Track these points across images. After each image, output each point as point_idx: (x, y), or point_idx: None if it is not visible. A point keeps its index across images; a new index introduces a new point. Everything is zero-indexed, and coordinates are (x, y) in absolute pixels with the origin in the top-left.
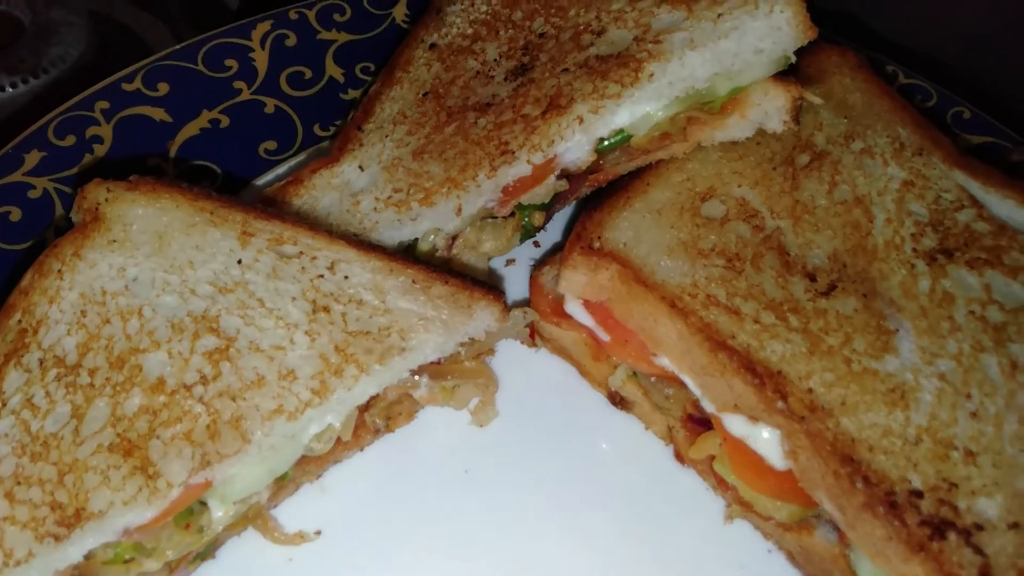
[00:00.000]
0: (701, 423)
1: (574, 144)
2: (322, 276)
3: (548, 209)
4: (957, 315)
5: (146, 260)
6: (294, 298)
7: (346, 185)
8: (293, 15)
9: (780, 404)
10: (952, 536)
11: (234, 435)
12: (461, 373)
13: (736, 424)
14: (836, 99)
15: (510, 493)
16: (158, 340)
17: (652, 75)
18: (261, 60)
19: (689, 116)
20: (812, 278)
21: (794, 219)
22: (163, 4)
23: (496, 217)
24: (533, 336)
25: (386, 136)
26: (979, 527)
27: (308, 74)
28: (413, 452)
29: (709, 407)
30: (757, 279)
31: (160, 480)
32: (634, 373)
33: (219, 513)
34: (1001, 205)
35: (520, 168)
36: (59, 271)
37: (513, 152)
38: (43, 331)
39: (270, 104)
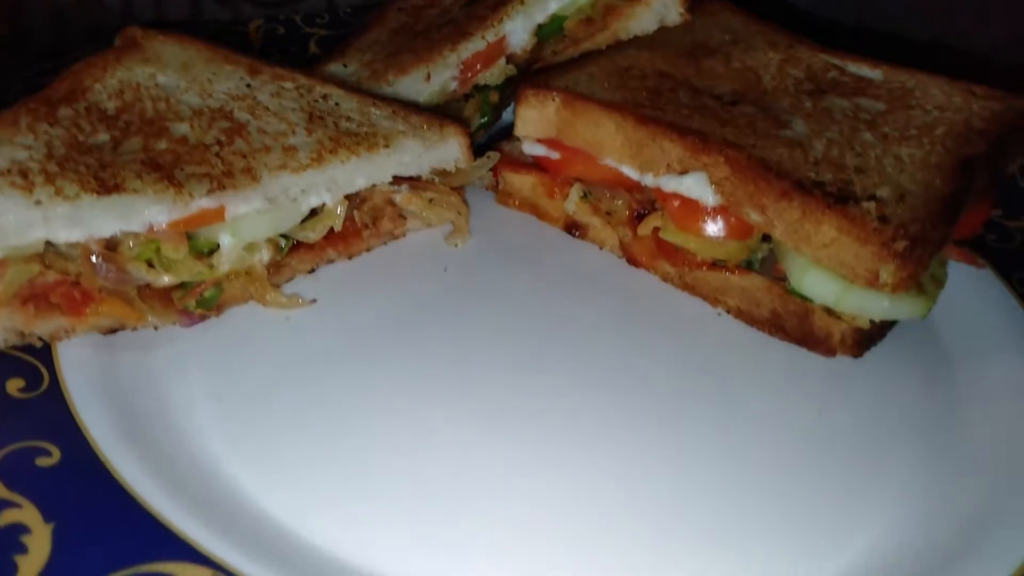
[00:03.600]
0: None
1: (519, 25)
2: (316, 101)
3: (502, 92)
4: (836, 115)
5: (173, 74)
6: (294, 109)
7: (331, 75)
8: (281, 16)
9: (701, 144)
10: (852, 201)
11: (246, 177)
12: (437, 190)
13: (671, 182)
14: (721, 25)
15: (482, 282)
16: (182, 116)
17: None
18: (256, 40)
19: (606, 3)
20: (718, 98)
21: (699, 76)
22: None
23: (459, 102)
24: (496, 176)
25: (364, 52)
26: (873, 197)
27: (294, 50)
28: (398, 255)
29: (649, 181)
30: (671, 98)
31: (184, 190)
32: (584, 194)
33: (227, 242)
34: (858, 69)
35: (476, 44)
36: (103, 67)
37: (471, 33)
38: (89, 95)
39: None
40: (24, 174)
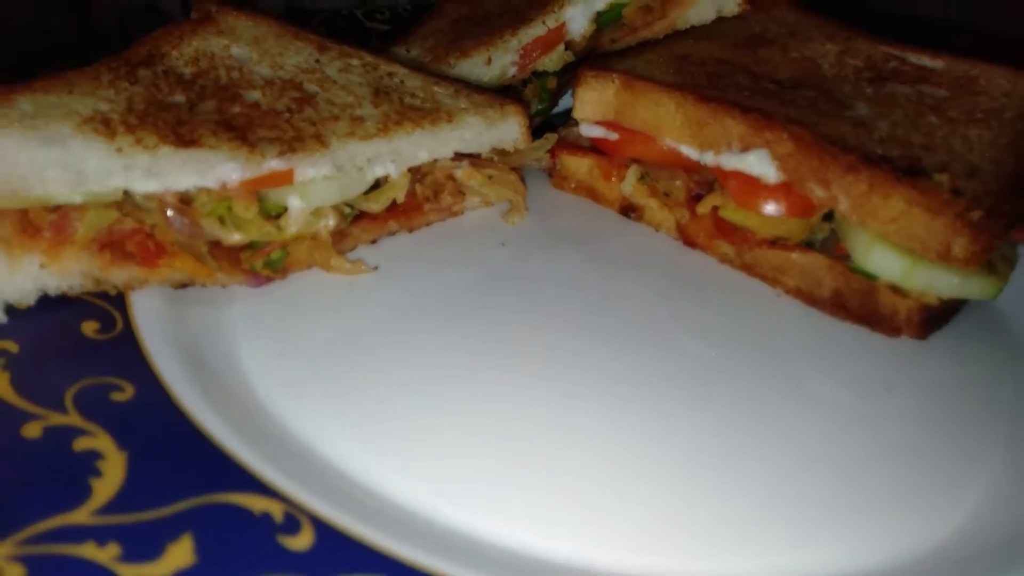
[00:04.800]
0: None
1: (579, 12)
2: (382, 78)
3: (560, 77)
4: (899, 100)
5: (246, 46)
6: (360, 84)
7: (395, 55)
8: (344, 12)
9: (764, 121)
10: (922, 174)
11: (315, 142)
12: (496, 167)
13: (732, 160)
14: (777, 19)
15: (539, 257)
16: (255, 85)
17: None
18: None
19: None
20: (778, 83)
21: (757, 64)
22: None
23: (518, 87)
24: (554, 157)
25: (425, 39)
26: (942, 169)
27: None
28: (457, 230)
29: (709, 159)
30: (731, 81)
31: (256, 150)
32: (642, 176)
33: (296, 205)
34: (919, 59)
35: (537, 29)
36: (180, 36)
37: (532, 19)
38: (166, 60)
39: None
40: (106, 123)
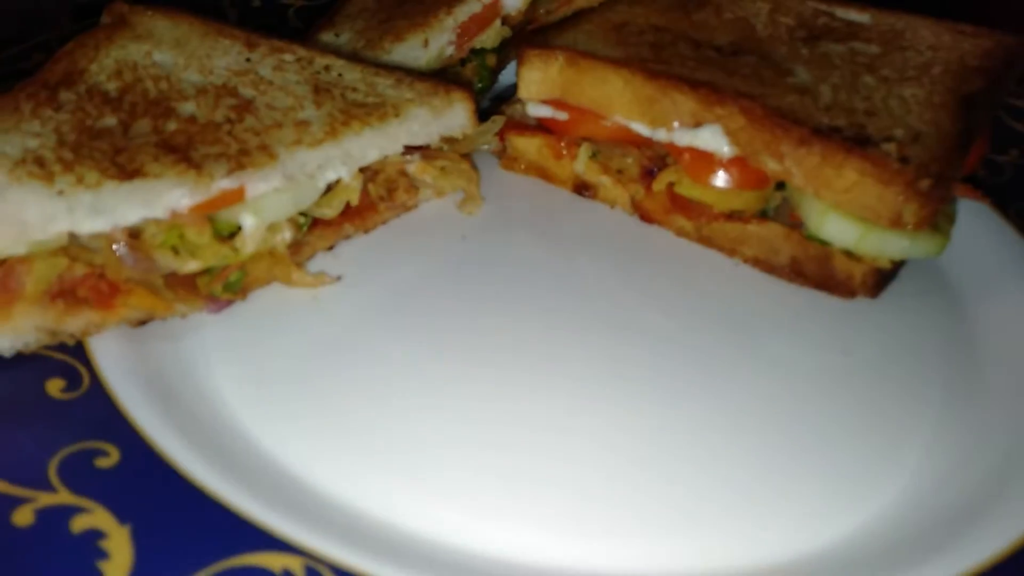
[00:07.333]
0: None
1: None
2: (319, 73)
3: (499, 54)
4: (834, 60)
5: (169, 51)
6: (298, 82)
7: (327, 45)
8: None
9: (714, 96)
10: (870, 144)
11: (263, 155)
12: (448, 158)
13: (685, 136)
14: None
15: (501, 247)
16: (187, 95)
17: None
18: (232, 15)
19: None
20: (719, 50)
21: (695, 29)
22: None
23: (456, 67)
24: (502, 138)
25: (354, 20)
26: (890, 139)
27: (274, 24)
28: (414, 226)
29: (662, 136)
30: (674, 52)
31: (203, 172)
32: (593, 154)
33: (250, 223)
34: (846, 14)
35: (472, 6)
36: (95, 46)
37: None
38: (87, 77)
39: None
40: (40, 163)
